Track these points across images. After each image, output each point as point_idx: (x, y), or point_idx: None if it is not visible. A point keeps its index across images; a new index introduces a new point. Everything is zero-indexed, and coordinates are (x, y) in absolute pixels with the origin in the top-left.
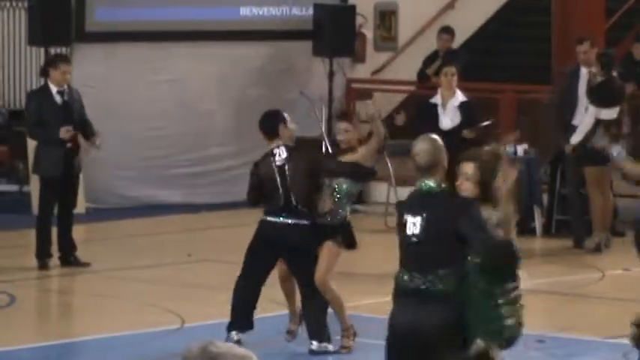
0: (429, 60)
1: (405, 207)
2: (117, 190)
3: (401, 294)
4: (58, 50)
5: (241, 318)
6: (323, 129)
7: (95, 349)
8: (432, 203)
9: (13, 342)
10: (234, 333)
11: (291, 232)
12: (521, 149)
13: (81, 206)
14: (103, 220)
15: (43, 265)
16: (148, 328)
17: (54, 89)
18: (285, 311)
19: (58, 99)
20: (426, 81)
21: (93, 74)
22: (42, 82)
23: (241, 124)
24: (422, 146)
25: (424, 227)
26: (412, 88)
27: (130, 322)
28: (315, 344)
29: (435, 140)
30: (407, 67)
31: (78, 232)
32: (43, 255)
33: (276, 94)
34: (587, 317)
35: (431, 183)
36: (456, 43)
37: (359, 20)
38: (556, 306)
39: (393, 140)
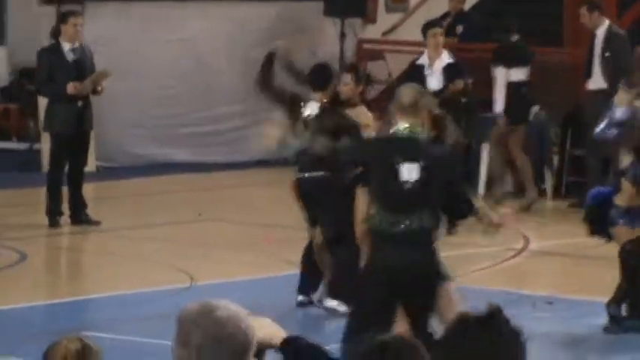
0: (442, 21)
1: (392, 150)
2: (128, 148)
3: (387, 238)
4: (71, 8)
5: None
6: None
7: (105, 306)
8: (425, 151)
9: (24, 299)
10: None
11: (309, 184)
12: (532, 111)
13: (92, 164)
14: (114, 179)
15: (53, 222)
16: (158, 286)
17: (66, 47)
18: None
19: (70, 56)
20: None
21: (105, 33)
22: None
23: (249, 84)
24: (407, 88)
25: (422, 175)
26: (423, 49)
27: (140, 280)
28: (328, 302)
29: (420, 87)
30: (418, 28)
31: (88, 190)
32: (53, 213)
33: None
34: (597, 279)
35: (415, 126)
36: (468, 4)
37: None
38: (565, 268)
39: None
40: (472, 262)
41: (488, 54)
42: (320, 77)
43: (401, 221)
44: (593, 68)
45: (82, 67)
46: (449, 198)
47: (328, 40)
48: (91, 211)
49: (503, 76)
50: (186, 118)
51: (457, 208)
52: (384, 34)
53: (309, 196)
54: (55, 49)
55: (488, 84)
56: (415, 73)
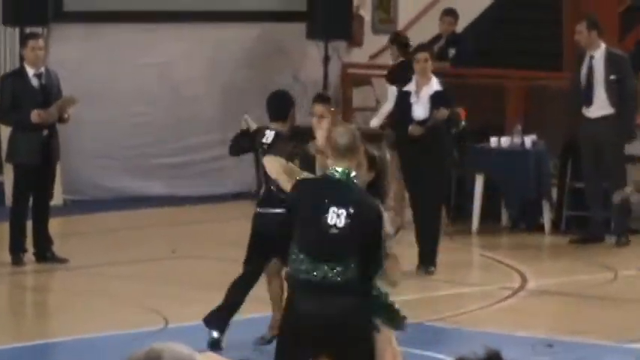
0: (432, 44)
1: (321, 192)
2: (97, 180)
3: (304, 285)
4: (34, 30)
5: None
6: None
7: (72, 350)
8: (355, 198)
9: None
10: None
11: (271, 222)
12: (529, 140)
13: (58, 198)
14: (82, 213)
15: (16, 260)
16: (130, 328)
17: (30, 72)
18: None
19: (34, 82)
20: None
21: (72, 57)
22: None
23: (229, 111)
24: (343, 128)
25: (349, 223)
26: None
27: (110, 322)
28: None
29: (355, 130)
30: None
31: (54, 225)
32: (17, 250)
33: (267, 79)
34: (599, 320)
35: (347, 170)
36: (460, 26)
37: (356, 1)
38: (566, 308)
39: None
40: (466, 301)
41: (483, 79)
42: (278, 106)
43: (321, 269)
44: (593, 94)
45: (47, 94)
46: (364, 252)
47: (311, 64)
48: (58, 248)
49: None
50: (159, 148)
51: (367, 267)
52: (371, 57)
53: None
54: (19, 74)
55: (484, 111)
56: (401, 101)
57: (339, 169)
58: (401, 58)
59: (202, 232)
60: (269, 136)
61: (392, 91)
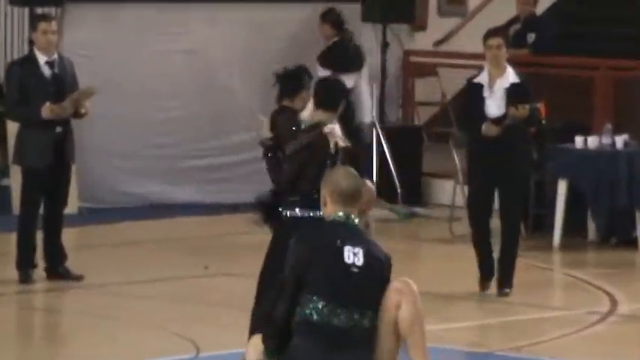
0: (507, 28)
1: (333, 234)
2: (117, 185)
3: (318, 329)
4: (46, 11)
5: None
6: (373, 113)
7: None
8: (367, 241)
9: None
10: None
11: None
12: (620, 140)
13: (72, 205)
14: (100, 223)
15: (25, 277)
16: (155, 357)
17: (41, 59)
18: None
19: (46, 71)
20: None
21: (88, 41)
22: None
23: (270, 106)
24: (345, 171)
25: (367, 260)
26: (483, 62)
27: (131, 349)
28: None
29: (356, 173)
30: (477, 37)
31: (68, 237)
32: (25, 265)
33: (314, 69)
34: None
35: (355, 218)
36: (540, 7)
37: None
38: None
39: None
40: (546, 328)
41: (567, 69)
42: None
43: (334, 313)
44: None
45: (61, 84)
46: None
47: (367, 51)
48: (71, 263)
49: None
50: (190, 148)
51: None
52: (437, 44)
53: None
54: (28, 62)
55: (568, 106)
56: (472, 95)
57: (341, 214)
58: (335, 38)
59: (240, 246)
60: (266, 122)
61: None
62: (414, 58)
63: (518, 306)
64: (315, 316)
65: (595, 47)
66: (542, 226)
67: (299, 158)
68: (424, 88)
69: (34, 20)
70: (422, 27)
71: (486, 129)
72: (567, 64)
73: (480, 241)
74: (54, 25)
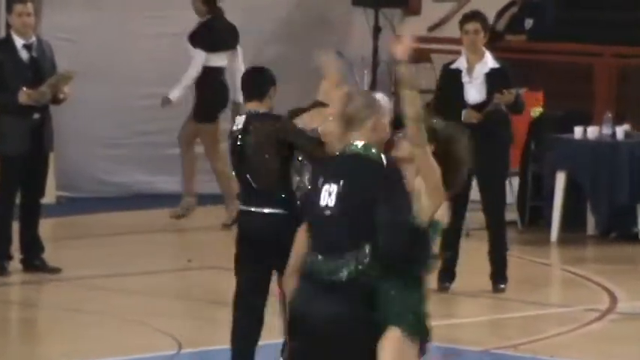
0: (503, 13)
1: (322, 171)
2: (98, 174)
3: (304, 278)
4: None
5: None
6: None
7: None
8: (353, 167)
9: None
10: None
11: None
12: (621, 131)
13: (50, 195)
14: (79, 213)
15: (1, 270)
16: (136, 353)
17: (18, 42)
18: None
19: (24, 55)
20: (497, 40)
21: (69, 24)
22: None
23: None
24: (358, 95)
25: (340, 199)
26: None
27: (111, 344)
28: None
29: (374, 95)
30: None
31: (46, 228)
32: (1, 257)
33: (305, 54)
34: None
35: (359, 143)
36: None
37: None
38: None
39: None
40: (543, 325)
41: (567, 56)
42: (253, 83)
43: (315, 260)
44: None
45: (39, 68)
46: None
47: (359, 36)
48: (49, 255)
49: (201, 61)
50: (174, 136)
51: (393, 250)
52: (431, 29)
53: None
54: (4, 45)
55: (567, 95)
56: (450, 81)
57: (356, 143)
58: (208, 15)
59: (224, 238)
60: (238, 122)
61: (199, 55)
62: None
63: (515, 303)
64: (305, 265)
65: (596, 33)
66: (539, 219)
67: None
68: (418, 75)
69: (10, 2)
70: (415, 12)
71: (467, 116)
72: (566, 50)
73: (451, 237)
74: (29, 7)
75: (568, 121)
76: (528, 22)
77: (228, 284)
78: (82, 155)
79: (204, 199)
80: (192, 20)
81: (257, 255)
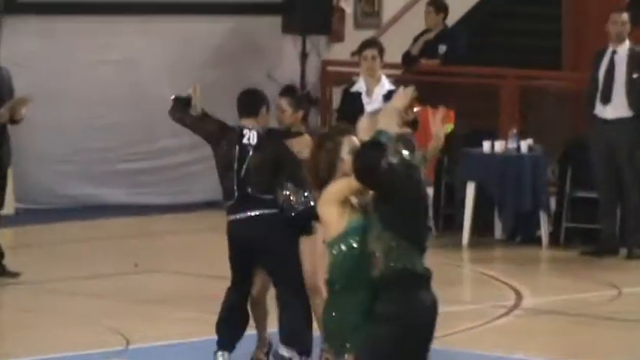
0: (419, 38)
1: None
2: (52, 187)
3: None
4: None
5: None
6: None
7: None
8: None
9: None
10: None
11: (256, 225)
12: (524, 145)
13: (9, 206)
14: (36, 223)
15: None
16: (87, 349)
17: None
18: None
19: None
20: (411, 63)
21: (25, 52)
22: None
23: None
24: None
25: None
26: (398, 72)
27: (65, 342)
28: (286, 351)
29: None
30: (392, 48)
31: (5, 236)
32: None
33: (240, 78)
34: (600, 342)
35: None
36: (451, 19)
37: None
38: (564, 328)
39: None
40: (456, 320)
41: (475, 78)
42: (248, 102)
43: None
44: (612, 92)
45: None
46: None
47: (288, 61)
48: (9, 260)
49: None
50: (121, 153)
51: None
52: (353, 54)
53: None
54: None
55: (476, 113)
56: (350, 102)
57: None
58: None
59: (168, 245)
60: (251, 136)
61: None
62: (331, 68)
63: None
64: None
65: (500, 58)
66: (452, 225)
67: None
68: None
69: None
70: (339, 39)
71: None
72: (474, 73)
73: None
74: None
75: (476, 136)
76: (442, 48)
77: (172, 286)
78: (37, 170)
79: (154, 209)
80: (134, 48)
81: (247, 256)
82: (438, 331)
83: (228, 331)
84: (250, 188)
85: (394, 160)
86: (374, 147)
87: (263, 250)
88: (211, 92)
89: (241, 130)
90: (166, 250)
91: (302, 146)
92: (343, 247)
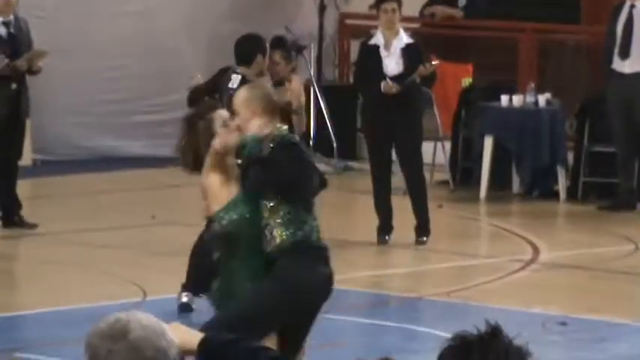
0: None
1: None
2: (69, 139)
3: None
4: None
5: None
6: (311, 72)
7: (42, 323)
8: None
9: None
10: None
11: None
12: (542, 99)
13: (27, 157)
14: (53, 175)
15: None
16: (105, 300)
17: None
18: None
19: (2, 31)
20: (430, 17)
21: (44, 3)
22: None
23: (214, 65)
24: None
25: None
26: (416, 25)
27: (83, 293)
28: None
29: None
30: (408, 2)
31: (23, 187)
32: None
33: (257, 30)
34: (617, 296)
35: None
36: None
37: None
38: (581, 282)
39: None
40: (472, 274)
41: (493, 32)
42: (243, 48)
43: None
44: (631, 46)
45: (17, 44)
46: None
47: (305, 13)
48: (26, 212)
49: None
50: (139, 105)
51: None
52: (371, 7)
53: None
54: None
55: (494, 67)
56: (368, 55)
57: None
58: None
59: (185, 197)
60: (235, 80)
61: None
62: (349, 21)
63: (447, 254)
64: None
65: (519, 11)
66: (469, 179)
67: None
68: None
69: None
70: None
71: (387, 87)
72: (492, 26)
73: (383, 196)
74: None
75: (494, 90)
76: (462, 1)
77: (189, 238)
78: (55, 122)
79: (166, 162)
80: (152, 0)
81: None
82: (453, 285)
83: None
84: None
85: (272, 152)
86: (257, 162)
87: None
88: (228, 45)
89: (230, 74)
90: (184, 202)
91: (296, 93)
92: (235, 216)
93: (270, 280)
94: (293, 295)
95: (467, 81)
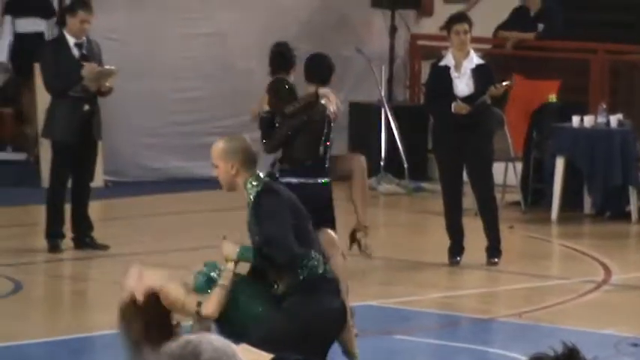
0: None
1: None
2: (141, 160)
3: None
4: None
5: None
6: (382, 93)
7: (113, 345)
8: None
9: (19, 336)
10: None
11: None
12: (614, 120)
13: (99, 179)
14: (125, 196)
15: (53, 246)
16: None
17: (71, 41)
18: None
19: (75, 52)
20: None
21: (115, 24)
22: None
23: None
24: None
25: None
26: (488, 46)
27: None
28: None
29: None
30: (480, 23)
31: (95, 209)
32: (54, 235)
33: (328, 51)
34: None
35: None
36: None
37: None
38: None
39: None
40: (544, 295)
41: (566, 52)
42: (325, 69)
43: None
44: None
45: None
46: None
47: (377, 34)
48: (98, 233)
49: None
50: (210, 126)
51: None
52: (442, 28)
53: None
54: (59, 43)
55: (566, 87)
56: (439, 76)
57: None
58: None
59: None
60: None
61: None
62: (420, 42)
63: (519, 275)
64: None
65: (592, 32)
66: (541, 200)
67: (295, 122)
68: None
69: (74, 6)
70: (428, 13)
71: (457, 107)
72: (565, 47)
73: (455, 217)
74: (92, 16)
75: (566, 111)
76: (540, 27)
77: None
78: (127, 144)
79: None
80: (223, 21)
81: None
82: (525, 306)
83: None
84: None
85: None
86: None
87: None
88: (299, 67)
89: (317, 99)
90: None
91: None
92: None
93: (283, 315)
94: (309, 330)
95: (552, 98)
